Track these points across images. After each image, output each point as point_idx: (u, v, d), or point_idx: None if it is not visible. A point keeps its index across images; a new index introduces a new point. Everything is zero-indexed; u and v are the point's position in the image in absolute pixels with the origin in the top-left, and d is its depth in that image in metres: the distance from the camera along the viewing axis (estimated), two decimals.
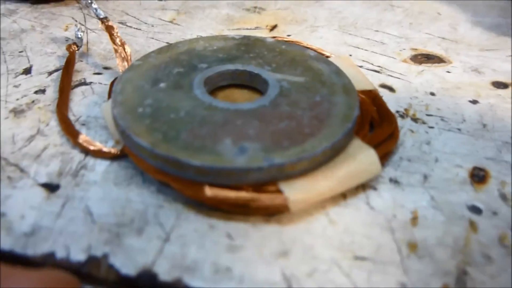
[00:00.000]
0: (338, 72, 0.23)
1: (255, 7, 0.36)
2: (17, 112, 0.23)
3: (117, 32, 0.26)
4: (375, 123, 0.23)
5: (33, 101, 0.24)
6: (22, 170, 0.20)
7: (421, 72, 0.29)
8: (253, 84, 0.23)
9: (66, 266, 0.16)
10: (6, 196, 0.19)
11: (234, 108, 0.20)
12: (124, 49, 0.25)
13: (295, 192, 0.17)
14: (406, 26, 0.35)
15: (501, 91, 0.27)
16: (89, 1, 0.27)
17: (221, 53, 0.24)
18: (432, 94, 0.27)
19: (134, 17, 0.33)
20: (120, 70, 0.24)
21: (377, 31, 0.34)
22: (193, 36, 0.31)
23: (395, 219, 0.19)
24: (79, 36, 0.27)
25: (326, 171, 0.18)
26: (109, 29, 0.26)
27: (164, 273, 0.16)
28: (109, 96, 0.23)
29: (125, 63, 0.24)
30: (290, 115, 0.20)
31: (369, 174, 0.19)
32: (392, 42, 0.32)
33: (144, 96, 0.21)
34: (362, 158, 0.19)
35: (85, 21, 0.32)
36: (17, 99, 0.24)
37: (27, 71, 0.26)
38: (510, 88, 0.28)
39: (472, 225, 0.18)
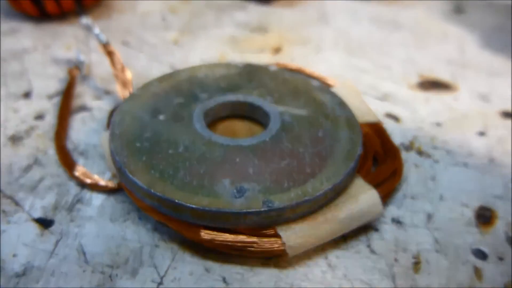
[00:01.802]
0: (341, 104, 0.23)
1: (259, 28, 0.36)
2: (15, 139, 0.23)
3: (118, 57, 0.25)
4: (379, 157, 0.22)
5: (32, 128, 0.24)
6: (17, 204, 0.20)
7: (427, 100, 0.28)
8: (254, 116, 0.23)
9: None
10: (0, 232, 0.18)
11: (234, 144, 0.19)
12: (125, 75, 0.25)
13: (294, 237, 0.17)
14: (412, 48, 0.34)
15: (510, 122, 0.27)
16: (91, 26, 0.26)
17: (223, 82, 0.24)
18: (439, 124, 0.26)
19: (137, 37, 0.33)
20: (121, 96, 0.24)
21: (383, 53, 0.33)
22: (195, 58, 0.31)
23: (396, 264, 0.18)
24: (81, 59, 0.27)
25: (326, 214, 0.18)
26: (110, 55, 0.26)
27: None
28: (108, 125, 0.22)
29: (126, 90, 0.24)
30: (292, 152, 0.19)
31: (371, 216, 0.18)
32: (398, 67, 0.31)
33: (143, 128, 0.20)
34: (363, 199, 0.18)
35: (87, 41, 0.32)
36: (16, 125, 0.24)
37: (27, 94, 0.26)
38: None
39: (477, 272, 0.18)
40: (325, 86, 0.24)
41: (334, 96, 0.23)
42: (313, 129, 0.21)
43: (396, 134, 0.25)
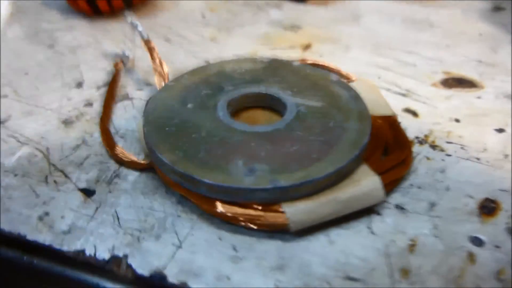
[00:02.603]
0: (356, 98, 0.24)
1: (292, 26, 0.38)
2: (67, 123, 0.27)
3: (157, 53, 0.28)
4: (390, 148, 0.23)
5: (82, 114, 0.27)
6: (66, 176, 0.23)
7: (449, 97, 0.29)
8: (274, 106, 0.25)
9: (93, 262, 0.19)
10: (51, 198, 0.22)
11: (251, 131, 0.22)
12: (162, 68, 0.28)
13: (297, 213, 0.19)
14: (442, 47, 0.35)
15: None
16: (135, 24, 0.30)
17: (248, 76, 0.26)
18: (457, 120, 0.27)
19: (178, 34, 0.36)
20: (158, 87, 0.27)
21: (410, 52, 0.34)
22: (229, 54, 0.33)
23: (393, 244, 0.19)
24: (127, 54, 0.30)
25: (329, 195, 0.20)
26: (150, 50, 0.29)
27: (172, 276, 0.18)
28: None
29: (162, 82, 0.27)
30: (302, 139, 0.21)
31: (372, 200, 0.20)
32: (424, 65, 0.32)
33: (172, 115, 0.23)
34: (365, 184, 0.20)
35: (134, 38, 0.36)
36: (69, 111, 0.28)
37: (80, 84, 0.30)
38: None
39: (471, 257, 0.19)
40: (344, 81, 0.26)
41: (350, 90, 0.25)
42: (325, 119, 0.22)
43: (413, 128, 0.26)
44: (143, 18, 0.39)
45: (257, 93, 0.25)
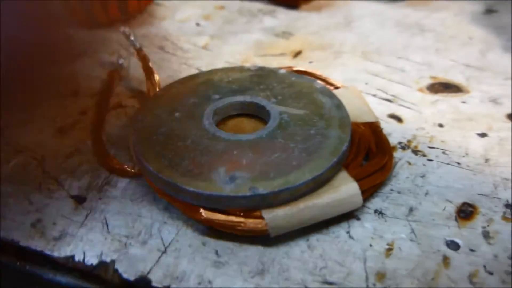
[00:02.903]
0: (338, 105, 0.25)
1: (285, 32, 0.38)
2: (62, 131, 0.28)
3: (149, 61, 0.29)
4: (371, 154, 0.24)
5: (76, 122, 0.28)
6: (59, 183, 0.24)
7: (434, 102, 0.29)
8: (259, 114, 0.25)
9: (81, 267, 0.20)
10: (44, 205, 0.23)
11: (234, 139, 0.22)
12: (154, 77, 0.29)
13: (275, 219, 0.20)
14: (432, 52, 0.35)
15: None
16: (128, 33, 0.30)
17: (235, 85, 0.27)
18: (441, 125, 0.27)
19: (173, 42, 0.37)
20: (149, 94, 0.28)
21: (400, 57, 0.34)
22: (221, 62, 0.34)
23: (370, 249, 0.20)
24: (121, 63, 0.31)
25: (308, 201, 0.20)
26: (142, 59, 0.29)
27: (157, 280, 0.19)
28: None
29: (153, 90, 0.28)
30: (283, 147, 0.22)
31: (350, 206, 0.21)
32: (412, 70, 0.33)
33: (160, 124, 0.24)
34: (344, 190, 0.21)
35: (129, 47, 0.37)
36: (64, 119, 0.29)
37: (75, 93, 0.31)
38: None
39: (446, 260, 0.20)
40: (328, 89, 0.27)
41: (333, 97, 0.25)
42: (307, 127, 0.23)
43: (397, 133, 0.27)
44: (139, 27, 0.40)
45: (242, 101, 0.25)
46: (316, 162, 0.21)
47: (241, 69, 0.28)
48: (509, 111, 0.28)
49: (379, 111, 0.28)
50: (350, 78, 0.32)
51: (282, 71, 0.28)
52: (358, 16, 0.41)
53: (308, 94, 0.26)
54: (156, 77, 0.29)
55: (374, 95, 0.30)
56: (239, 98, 0.25)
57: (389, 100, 0.30)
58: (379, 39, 0.37)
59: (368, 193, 0.22)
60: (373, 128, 0.25)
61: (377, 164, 0.23)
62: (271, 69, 0.28)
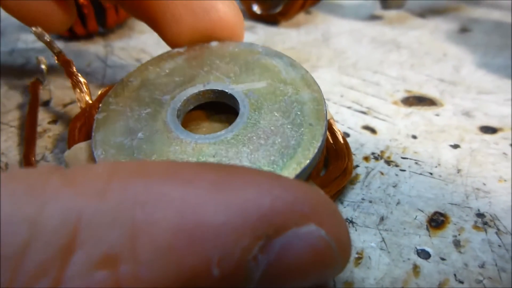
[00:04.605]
0: (292, 64, 0.24)
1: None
2: None
3: (73, 67, 0.26)
4: (330, 159, 0.23)
5: (45, 130, 0.28)
6: None
7: (408, 115, 0.29)
8: (222, 100, 0.23)
9: None
10: None
11: (221, 139, 0.20)
12: (81, 84, 0.25)
13: None
14: (407, 67, 0.35)
15: (487, 136, 0.27)
16: (39, 34, 0.26)
17: (177, 76, 0.24)
18: (414, 137, 0.27)
19: (150, 55, 0.37)
20: (79, 106, 0.25)
21: (376, 72, 0.35)
22: None
23: None
24: (42, 69, 0.29)
25: None
26: (64, 63, 0.26)
27: None
28: (70, 144, 0.23)
29: (85, 99, 0.25)
30: (273, 130, 0.20)
31: None
32: (387, 84, 0.33)
33: (130, 153, 0.20)
34: None
35: (106, 58, 0.36)
36: None
37: (47, 103, 0.30)
38: (498, 133, 0.28)
39: (415, 269, 0.19)
40: (272, 49, 0.25)
41: (282, 57, 0.24)
42: (279, 99, 0.22)
43: (370, 144, 0.27)
44: (117, 40, 0.39)
45: (197, 93, 0.23)
46: (311, 131, 0.20)
47: (170, 54, 0.25)
48: (481, 124, 0.28)
49: (353, 122, 0.28)
50: (326, 91, 0.32)
51: (214, 43, 0.25)
52: (336, 33, 0.42)
53: (256, 62, 0.24)
54: (84, 83, 0.25)
55: (349, 107, 0.30)
56: (192, 90, 0.23)
57: (364, 112, 0.30)
58: (355, 54, 0.38)
59: (334, 198, 0.22)
60: (328, 126, 0.24)
61: (337, 169, 0.22)
62: (202, 44, 0.25)
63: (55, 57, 0.26)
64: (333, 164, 0.23)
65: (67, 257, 0.10)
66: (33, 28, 0.26)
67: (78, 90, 0.25)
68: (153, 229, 0.11)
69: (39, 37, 0.26)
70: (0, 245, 0.10)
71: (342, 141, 0.24)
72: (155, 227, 0.11)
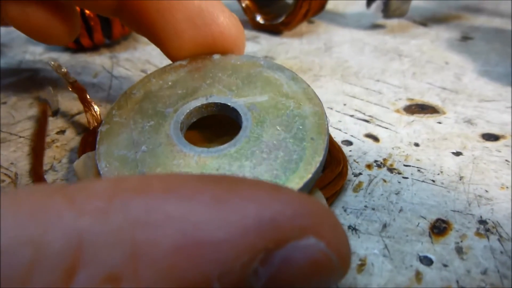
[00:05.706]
0: (294, 77, 0.24)
1: (266, 56, 0.39)
2: None
3: (86, 92, 0.28)
4: (326, 163, 0.24)
5: (53, 141, 0.28)
6: None
7: (411, 123, 0.30)
8: (224, 113, 0.23)
9: None
10: None
11: (225, 152, 0.20)
12: (93, 108, 0.27)
13: None
14: (409, 76, 0.36)
15: (489, 144, 0.28)
16: (55, 66, 0.27)
17: (179, 89, 0.24)
18: (416, 145, 0.28)
19: (155, 66, 0.38)
20: (90, 127, 0.26)
21: (378, 80, 0.35)
22: None
23: None
24: (51, 92, 0.30)
25: None
26: (79, 91, 0.27)
27: None
28: (80, 153, 0.24)
29: (94, 122, 0.27)
30: (275, 144, 0.21)
31: None
32: (390, 92, 0.33)
33: (133, 166, 0.20)
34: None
35: (112, 69, 0.37)
36: None
37: (55, 113, 0.31)
38: (500, 140, 0.28)
39: (418, 275, 0.19)
40: (274, 62, 0.25)
41: (284, 70, 0.24)
42: (281, 112, 0.22)
43: (373, 152, 0.27)
44: (123, 51, 0.40)
45: (200, 106, 0.23)
46: (313, 145, 0.20)
47: (172, 67, 0.25)
48: (483, 131, 0.29)
49: (356, 130, 0.29)
50: (328, 100, 0.32)
51: (216, 56, 0.25)
52: (338, 43, 0.42)
53: (258, 75, 0.24)
54: (96, 108, 0.27)
55: (351, 116, 0.30)
56: (195, 103, 0.23)
57: (366, 121, 0.30)
58: (357, 63, 0.38)
59: (329, 201, 0.22)
60: None
61: (333, 172, 0.23)
62: (204, 57, 0.25)
63: (69, 86, 0.28)
64: (328, 168, 0.23)
65: (71, 278, 0.10)
66: (52, 62, 0.27)
67: (90, 115, 0.26)
68: (154, 249, 0.11)
69: (56, 69, 0.27)
70: (4, 267, 0.10)
71: (336, 147, 0.24)
72: (156, 246, 0.11)
